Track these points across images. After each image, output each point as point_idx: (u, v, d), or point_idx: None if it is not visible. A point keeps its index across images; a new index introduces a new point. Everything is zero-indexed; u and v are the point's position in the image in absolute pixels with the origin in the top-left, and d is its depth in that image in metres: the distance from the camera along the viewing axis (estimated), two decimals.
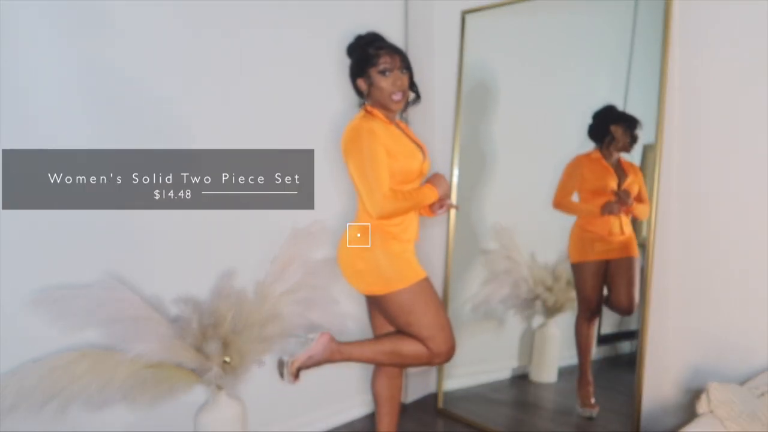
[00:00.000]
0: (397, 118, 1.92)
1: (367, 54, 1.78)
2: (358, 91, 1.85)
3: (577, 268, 2.43)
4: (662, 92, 1.93)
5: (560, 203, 2.40)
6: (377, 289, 1.77)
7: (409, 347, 1.79)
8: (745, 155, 1.84)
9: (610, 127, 2.24)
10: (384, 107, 1.81)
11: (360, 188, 1.73)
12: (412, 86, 1.85)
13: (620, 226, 2.26)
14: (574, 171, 2.35)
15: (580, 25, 2.38)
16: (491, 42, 2.51)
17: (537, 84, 2.51)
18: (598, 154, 2.29)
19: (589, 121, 2.32)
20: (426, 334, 1.77)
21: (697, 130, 1.93)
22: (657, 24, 1.94)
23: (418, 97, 1.89)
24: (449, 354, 1.81)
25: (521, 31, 2.47)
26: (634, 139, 2.19)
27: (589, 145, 2.33)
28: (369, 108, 1.82)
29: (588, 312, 2.39)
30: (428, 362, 1.81)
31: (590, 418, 2.37)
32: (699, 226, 1.95)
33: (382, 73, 1.76)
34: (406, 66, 1.80)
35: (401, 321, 1.79)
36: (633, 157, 2.25)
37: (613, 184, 2.24)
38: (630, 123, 2.18)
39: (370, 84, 1.79)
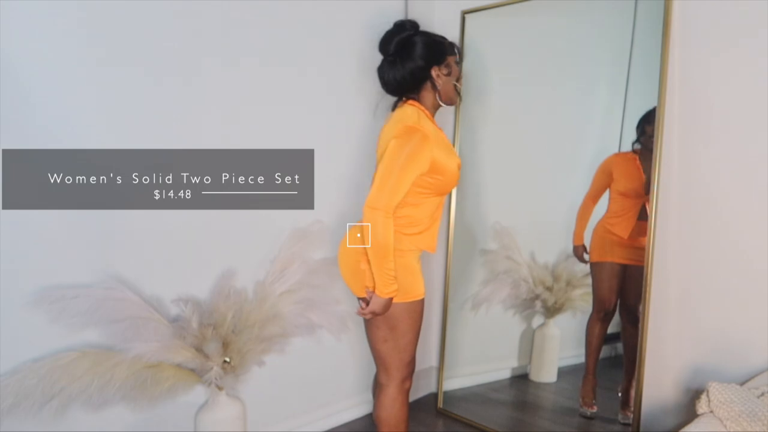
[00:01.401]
0: None
1: (444, 41, 1.64)
2: (417, 81, 1.66)
3: (596, 267, 2.39)
4: (662, 92, 1.93)
5: (583, 204, 2.33)
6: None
7: (386, 411, 1.78)
8: (745, 155, 1.84)
9: (646, 127, 2.13)
10: (449, 100, 1.72)
11: (377, 178, 1.60)
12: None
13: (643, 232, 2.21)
14: (603, 170, 2.27)
15: (579, 25, 2.38)
16: (491, 42, 2.51)
17: (537, 84, 2.51)
18: (632, 155, 2.18)
19: (591, 121, 2.31)
20: (393, 357, 1.75)
21: (697, 130, 1.93)
22: (657, 24, 1.94)
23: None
24: (409, 372, 1.80)
25: (521, 32, 2.47)
26: None
27: (587, 146, 2.32)
28: (417, 105, 1.68)
29: (602, 312, 2.36)
30: (404, 394, 1.79)
31: (590, 418, 2.37)
32: (699, 226, 1.95)
33: (457, 64, 1.64)
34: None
35: (380, 334, 1.75)
36: None
37: (640, 187, 2.13)
38: None
39: (448, 73, 1.64)
